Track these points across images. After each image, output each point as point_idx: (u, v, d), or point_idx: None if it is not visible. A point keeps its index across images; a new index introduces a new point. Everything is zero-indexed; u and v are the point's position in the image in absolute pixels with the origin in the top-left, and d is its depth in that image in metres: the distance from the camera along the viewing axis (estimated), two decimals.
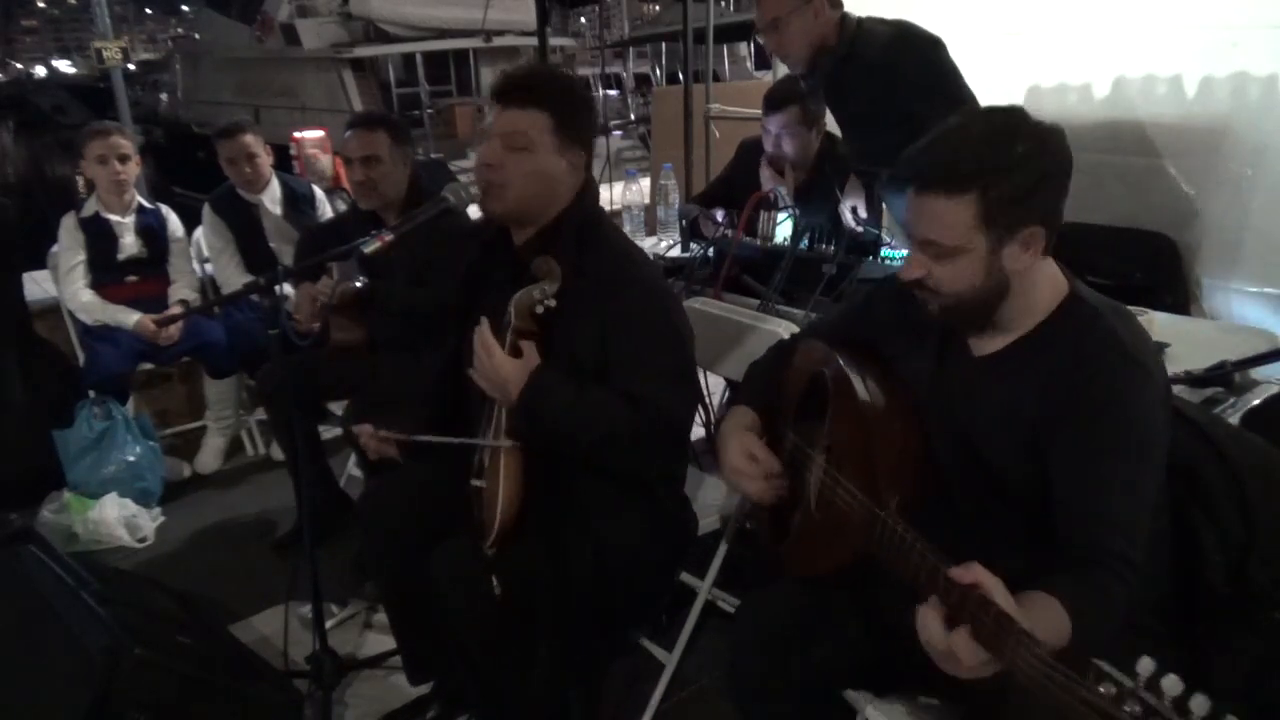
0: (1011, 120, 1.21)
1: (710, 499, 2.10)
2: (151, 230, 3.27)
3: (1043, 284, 1.26)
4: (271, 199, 3.36)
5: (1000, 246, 1.20)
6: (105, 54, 4.89)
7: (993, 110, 1.26)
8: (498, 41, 12.51)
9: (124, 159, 3.15)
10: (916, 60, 2.21)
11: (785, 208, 2.64)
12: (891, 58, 2.20)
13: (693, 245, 2.72)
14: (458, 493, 1.75)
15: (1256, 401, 1.65)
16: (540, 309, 1.61)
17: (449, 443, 1.74)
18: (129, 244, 3.23)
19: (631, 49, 14.02)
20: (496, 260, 1.82)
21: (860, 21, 2.27)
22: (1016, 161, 1.17)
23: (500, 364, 1.58)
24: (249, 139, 3.27)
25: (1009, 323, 1.28)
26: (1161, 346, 1.81)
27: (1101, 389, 1.17)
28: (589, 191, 1.78)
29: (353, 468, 2.90)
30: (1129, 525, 1.14)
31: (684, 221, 2.86)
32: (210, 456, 3.44)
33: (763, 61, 9.27)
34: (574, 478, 1.70)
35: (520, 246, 1.75)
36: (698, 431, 2.42)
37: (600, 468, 1.67)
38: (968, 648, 0.98)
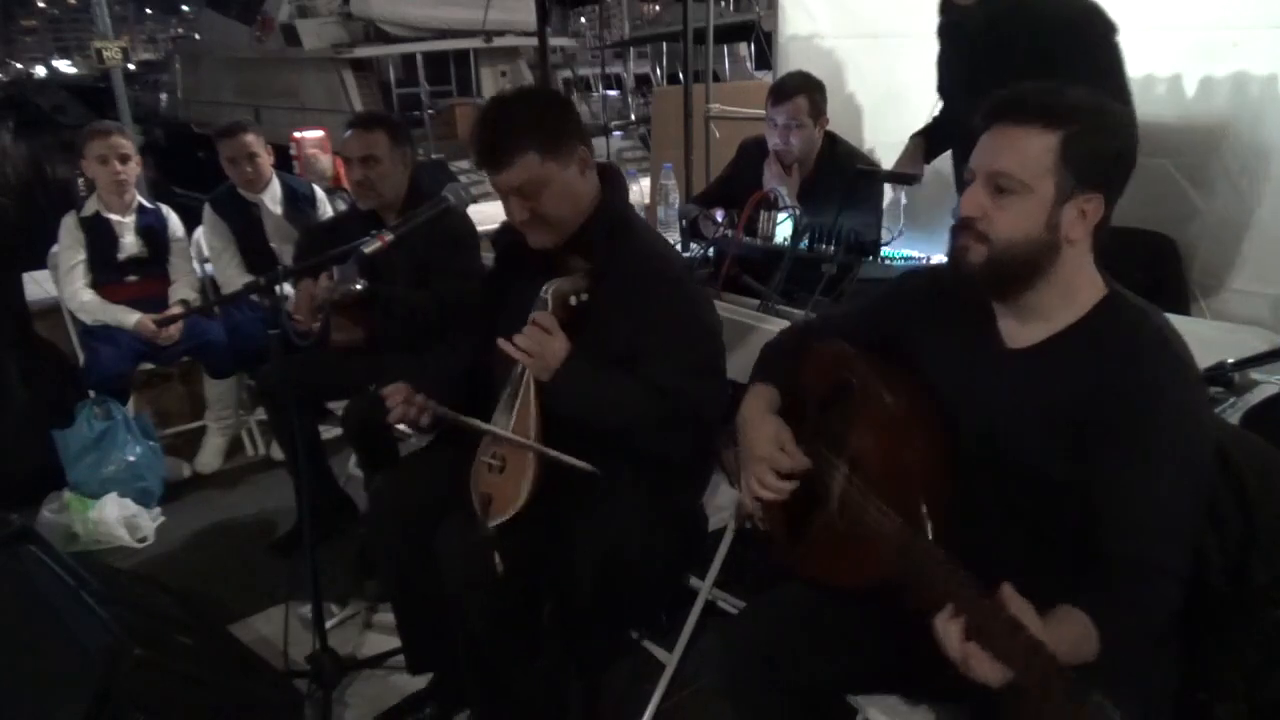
0: (1108, 94, 1.27)
1: (716, 499, 2.10)
2: (152, 230, 3.27)
3: (1082, 277, 1.24)
4: (272, 199, 3.36)
5: (1064, 200, 1.19)
6: (105, 54, 4.90)
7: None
8: (498, 42, 12.51)
9: (124, 159, 3.16)
10: (1095, 36, 2.17)
11: (785, 208, 2.64)
12: (1074, 25, 2.16)
13: (693, 245, 2.72)
14: (466, 471, 1.77)
15: (1256, 401, 1.64)
16: (574, 300, 1.68)
17: (490, 431, 1.73)
18: (129, 244, 3.23)
19: (632, 49, 14.02)
20: (526, 255, 1.84)
21: None
22: (1109, 120, 1.21)
23: (557, 341, 1.64)
24: (250, 138, 3.28)
25: (1046, 311, 1.24)
26: None
27: (1156, 390, 1.15)
28: (618, 191, 1.82)
29: (353, 468, 2.89)
30: (1173, 532, 1.13)
31: (684, 221, 2.87)
32: (210, 456, 3.44)
33: (763, 61, 9.26)
34: (597, 478, 1.71)
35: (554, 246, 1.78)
36: None
37: (629, 457, 1.69)
38: (981, 660, 0.98)
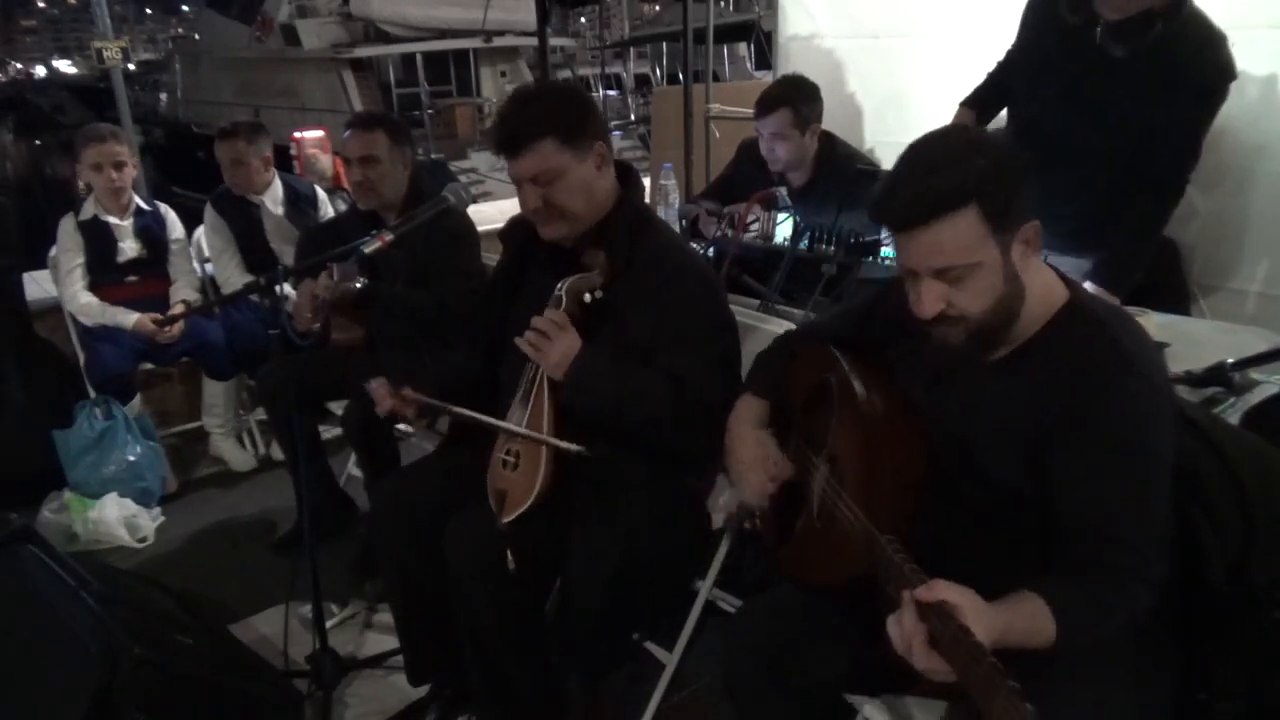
0: (966, 134, 1.27)
1: (718, 499, 2.10)
2: (151, 232, 3.26)
3: (1039, 288, 1.25)
4: (273, 199, 3.36)
5: (1008, 249, 1.20)
6: (105, 54, 4.88)
7: (941, 133, 1.26)
8: (498, 41, 12.54)
9: (119, 166, 3.12)
10: (1216, 105, 2.11)
11: (785, 208, 2.64)
12: (1211, 91, 2.09)
13: (693, 245, 2.72)
14: (472, 475, 1.77)
15: (1256, 401, 1.64)
16: (588, 297, 1.68)
17: (482, 421, 1.74)
18: (128, 247, 3.22)
19: (632, 49, 14.04)
20: (542, 251, 1.84)
21: (1193, 7, 2.08)
22: (996, 164, 1.18)
23: (567, 337, 1.65)
24: (240, 144, 3.25)
25: (1015, 332, 1.26)
26: (1161, 346, 1.81)
27: (1105, 403, 1.16)
28: (636, 189, 1.83)
29: (353, 467, 2.90)
30: (1139, 540, 1.13)
31: (684, 221, 2.87)
32: (236, 455, 3.44)
33: (763, 61, 9.27)
34: (610, 474, 1.72)
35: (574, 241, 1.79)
36: None
37: (644, 454, 1.70)
38: (924, 655, 1.00)
